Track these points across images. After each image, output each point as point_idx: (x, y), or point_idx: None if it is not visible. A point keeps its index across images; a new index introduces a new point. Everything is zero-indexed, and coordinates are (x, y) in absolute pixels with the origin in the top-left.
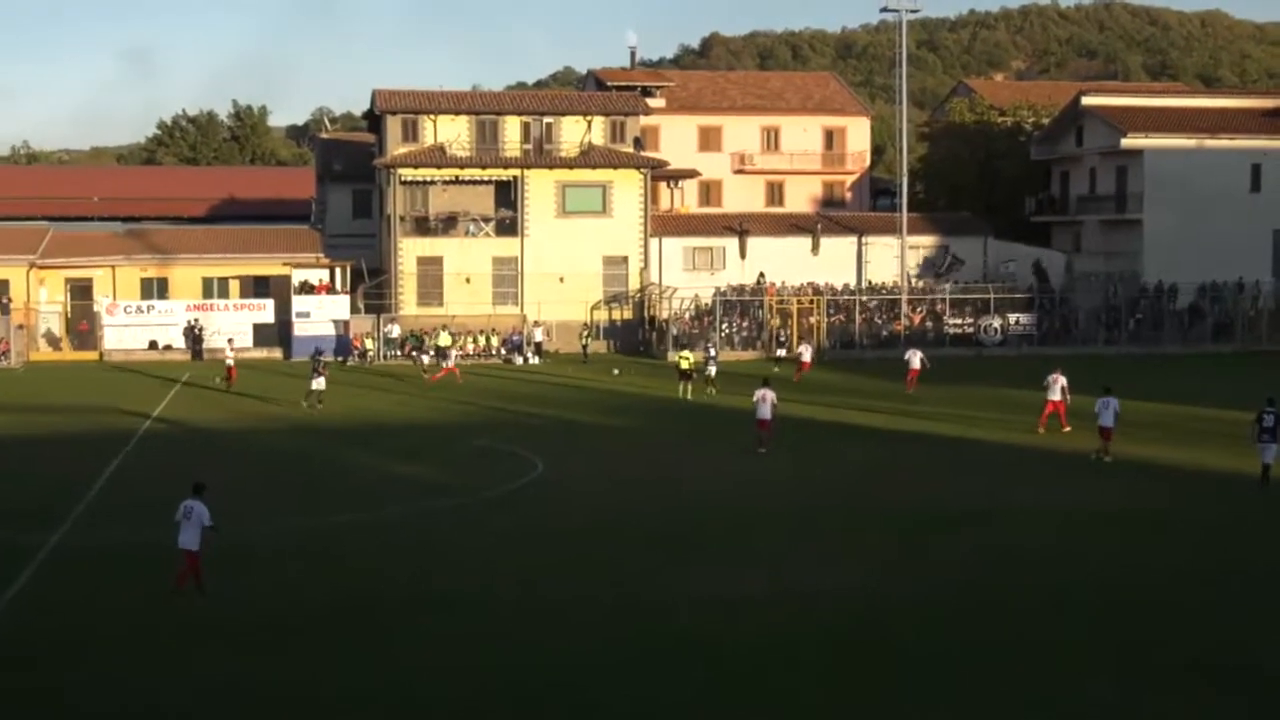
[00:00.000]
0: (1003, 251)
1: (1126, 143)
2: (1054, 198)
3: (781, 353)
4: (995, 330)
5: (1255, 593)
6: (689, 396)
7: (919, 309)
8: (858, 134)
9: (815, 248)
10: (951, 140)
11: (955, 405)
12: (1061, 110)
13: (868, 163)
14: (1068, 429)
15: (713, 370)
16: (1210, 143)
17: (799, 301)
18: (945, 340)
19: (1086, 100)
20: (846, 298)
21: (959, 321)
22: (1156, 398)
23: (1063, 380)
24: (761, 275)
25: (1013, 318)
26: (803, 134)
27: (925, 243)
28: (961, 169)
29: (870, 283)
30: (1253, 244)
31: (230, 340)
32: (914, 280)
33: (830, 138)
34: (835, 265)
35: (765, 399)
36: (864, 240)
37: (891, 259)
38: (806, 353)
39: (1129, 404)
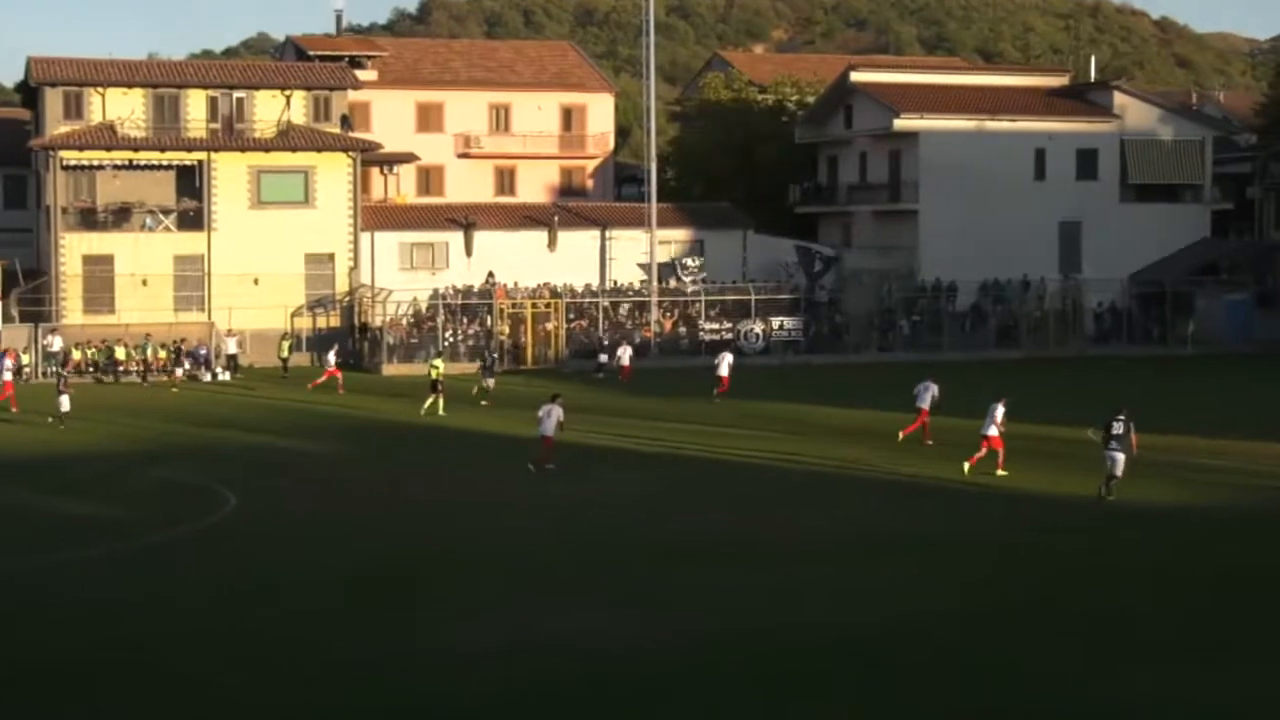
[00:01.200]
0: (763, 247)
1: (900, 124)
2: (821, 186)
3: (604, 358)
4: (757, 336)
5: (1029, 632)
6: (442, 411)
7: (670, 313)
8: (600, 113)
9: (552, 243)
10: (706, 121)
11: (722, 423)
12: (828, 87)
13: (611, 146)
14: (929, 443)
15: (490, 382)
16: (991, 125)
17: (533, 305)
18: (701, 348)
19: (856, 76)
20: (589, 300)
21: (715, 327)
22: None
23: (934, 389)
24: (490, 275)
25: (776, 322)
26: (537, 113)
27: (678, 237)
28: (718, 153)
29: (615, 283)
30: (1038, 237)
31: None
32: (666, 280)
33: (569, 117)
34: (575, 263)
35: (550, 414)
36: (608, 234)
37: (639, 255)
38: (626, 355)
39: (903, 417)
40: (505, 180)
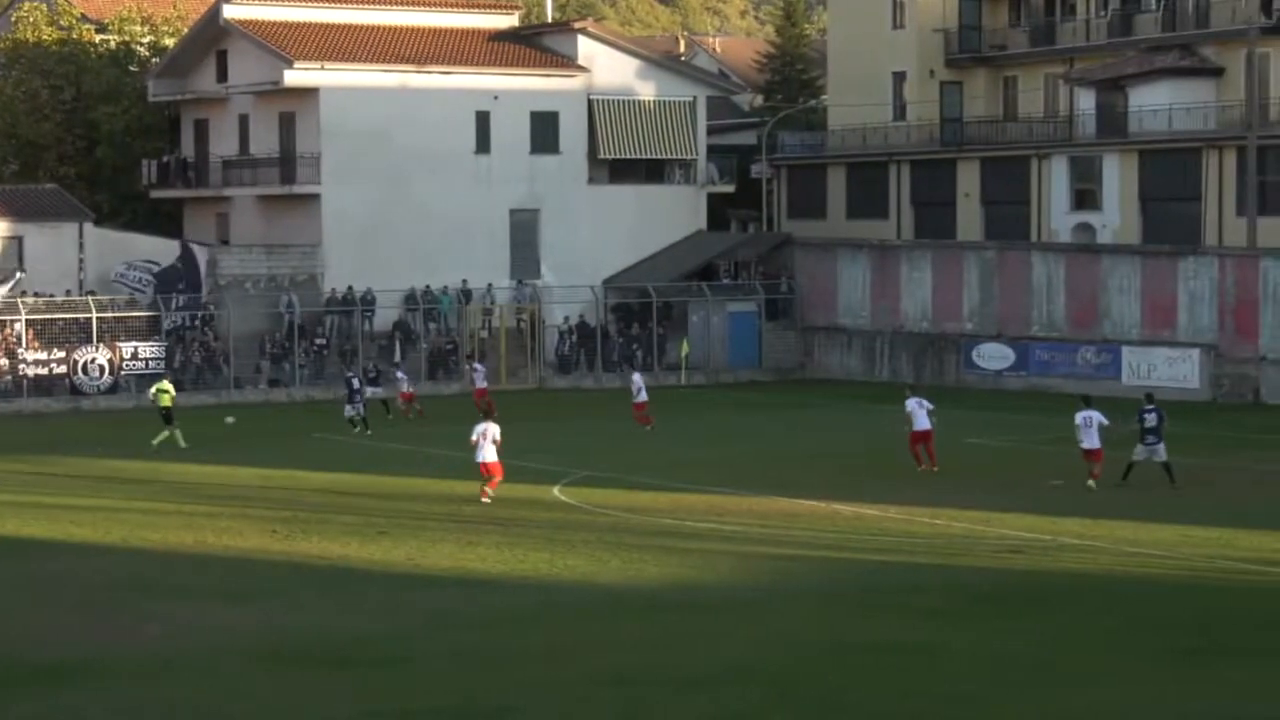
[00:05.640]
0: (108, 246)
1: (293, 78)
2: (187, 162)
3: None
4: (101, 370)
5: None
6: (182, 443)
7: None
8: None
9: None
10: (22, 70)
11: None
12: (194, 26)
13: None
14: None
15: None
16: (418, 80)
17: None
18: (25, 388)
19: (231, 12)
20: None
21: (43, 357)
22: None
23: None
24: None
25: (127, 348)
26: None
27: None
28: (40, 116)
29: None
30: (482, 230)
31: None
32: None
33: None
34: None
35: (486, 435)
36: None
37: None
38: (405, 383)
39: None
40: None
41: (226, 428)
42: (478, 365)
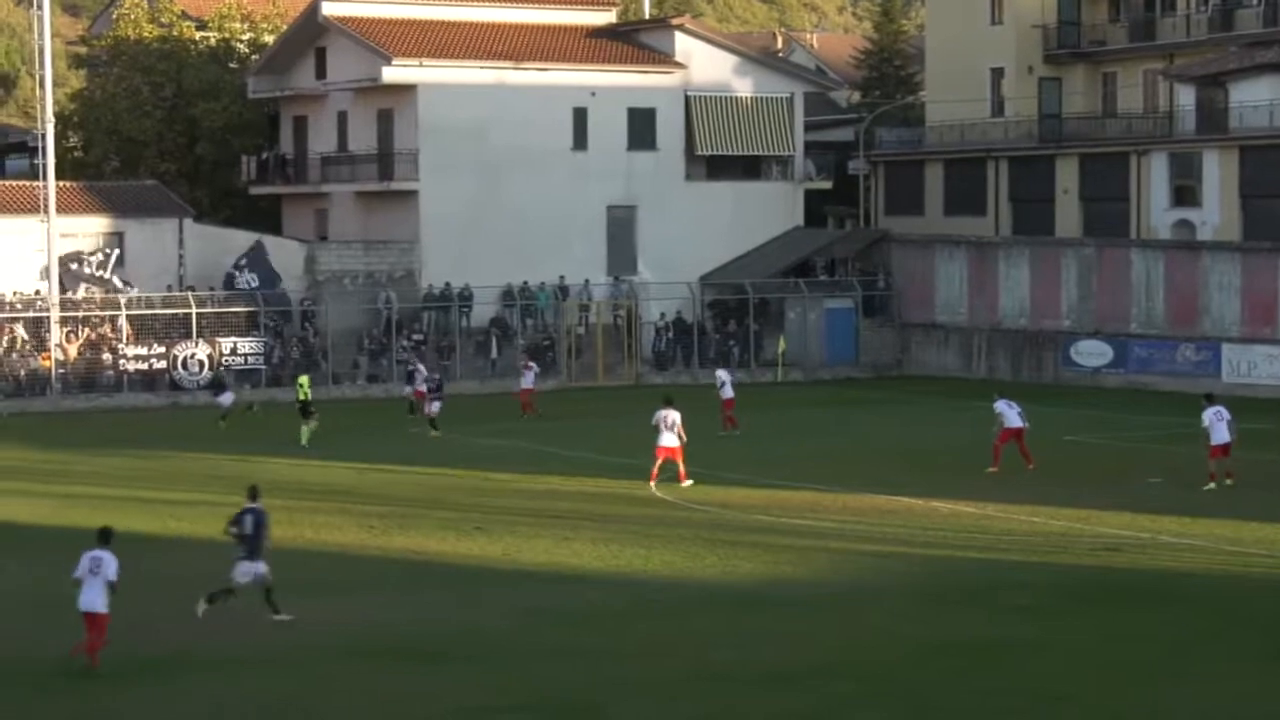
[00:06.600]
0: (208, 241)
1: (391, 75)
2: (285, 158)
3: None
4: (200, 365)
5: None
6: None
7: (77, 332)
8: None
9: None
10: (124, 67)
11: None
12: (293, 23)
13: None
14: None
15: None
16: (515, 76)
17: None
18: (125, 384)
19: (330, 9)
20: None
21: (144, 352)
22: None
23: (674, 416)
24: None
25: (226, 344)
26: None
27: (89, 228)
28: (141, 113)
29: None
30: (579, 226)
31: None
32: (73, 288)
33: None
34: None
35: (666, 420)
36: None
37: (33, 254)
38: (420, 378)
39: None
40: None
41: (253, 415)
42: (531, 364)
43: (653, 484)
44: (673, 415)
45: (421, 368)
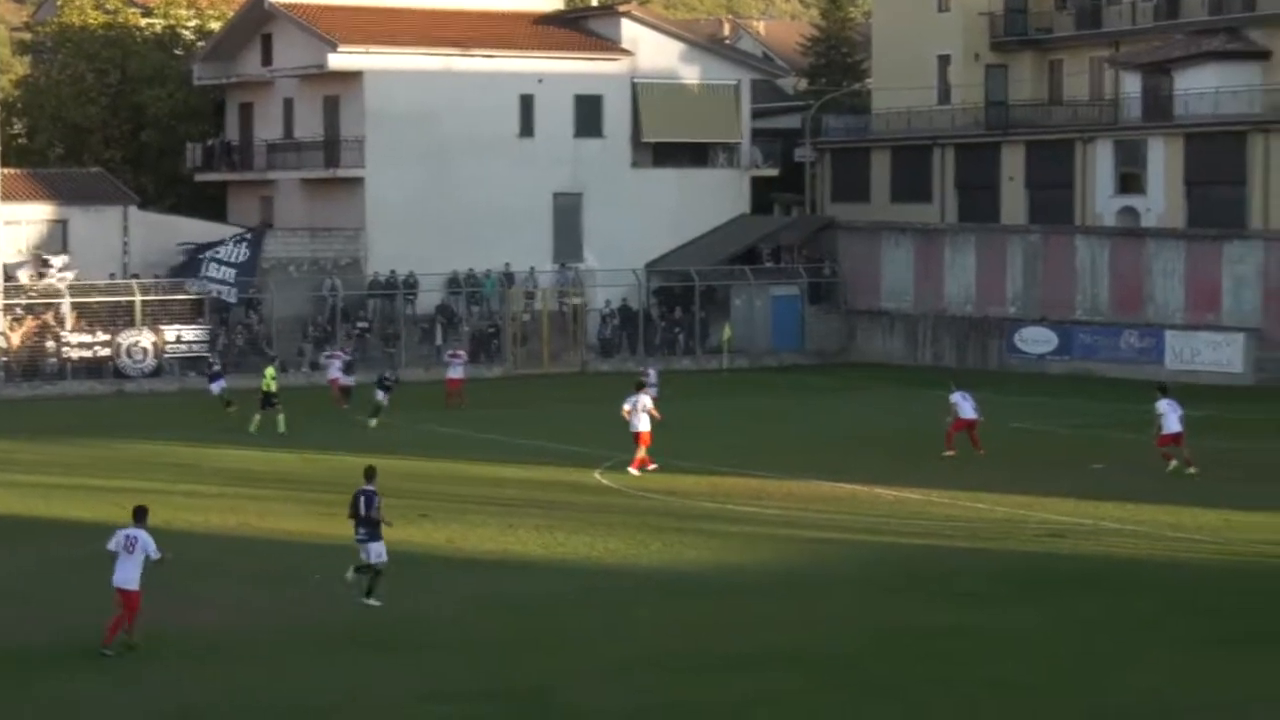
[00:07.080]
0: (151, 229)
1: (337, 61)
2: (231, 145)
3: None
4: (144, 352)
5: None
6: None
7: (20, 319)
8: None
9: None
10: (69, 54)
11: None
12: (240, 9)
13: None
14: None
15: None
16: (462, 63)
17: None
18: (68, 371)
19: None
20: None
21: (88, 340)
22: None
23: (645, 399)
24: None
25: (170, 332)
26: None
27: (33, 215)
28: (85, 99)
29: None
30: (525, 214)
31: None
32: (12, 275)
33: None
34: None
35: (639, 406)
36: None
37: None
38: (336, 367)
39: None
40: None
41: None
42: (459, 354)
43: (634, 469)
44: (644, 399)
45: (342, 355)
